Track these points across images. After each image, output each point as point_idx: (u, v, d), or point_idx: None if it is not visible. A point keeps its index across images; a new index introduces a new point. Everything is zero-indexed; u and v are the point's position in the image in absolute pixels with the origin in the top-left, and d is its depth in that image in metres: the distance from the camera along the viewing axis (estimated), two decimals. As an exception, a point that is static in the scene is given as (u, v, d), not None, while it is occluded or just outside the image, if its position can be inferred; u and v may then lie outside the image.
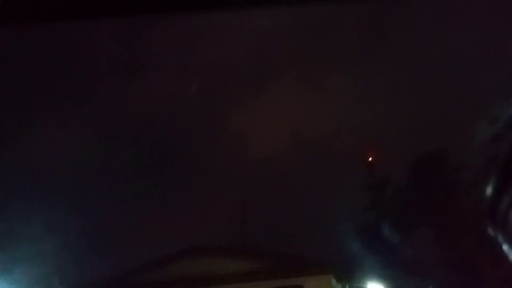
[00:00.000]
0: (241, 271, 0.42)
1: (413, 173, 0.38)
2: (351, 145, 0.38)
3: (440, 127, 0.37)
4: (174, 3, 0.36)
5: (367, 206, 0.39)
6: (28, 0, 0.36)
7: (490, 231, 0.36)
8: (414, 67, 0.37)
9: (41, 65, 0.38)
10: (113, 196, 0.39)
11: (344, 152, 0.38)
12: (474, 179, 0.36)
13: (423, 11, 0.36)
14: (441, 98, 0.37)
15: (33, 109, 0.39)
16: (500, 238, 0.35)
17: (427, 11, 0.36)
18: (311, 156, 0.38)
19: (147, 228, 0.39)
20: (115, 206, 0.39)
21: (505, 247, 0.36)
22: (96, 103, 0.38)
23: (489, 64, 0.36)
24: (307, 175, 0.38)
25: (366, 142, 0.38)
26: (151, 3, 0.36)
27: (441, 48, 0.36)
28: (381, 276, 0.41)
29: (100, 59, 0.38)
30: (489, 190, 0.35)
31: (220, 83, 0.38)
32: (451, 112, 0.37)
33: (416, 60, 0.37)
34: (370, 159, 0.38)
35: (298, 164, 0.38)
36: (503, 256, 0.36)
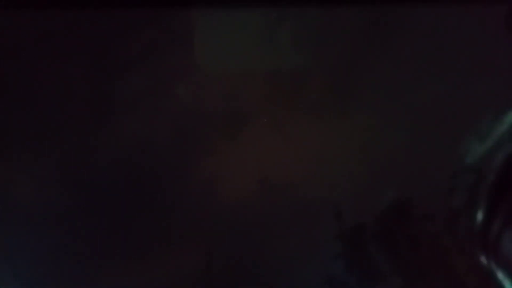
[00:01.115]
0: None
1: (385, 220, 0.38)
2: (320, 193, 0.38)
3: (415, 173, 0.38)
4: (143, 50, 0.36)
5: (337, 255, 0.38)
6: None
7: (482, 261, 0.36)
8: (386, 113, 0.38)
9: (4, 101, 0.37)
10: (75, 242, 0.38)
11: (313, 200, 0.38)
12: (456, 217, 0.37)
13: (393, 64, 0.38)
14: (413, 144, 0.38)
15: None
16: (493, 267, 0.35)
17: (396, 64, 0.38)
18: (279, 204, 0.38)
19: (109, 276, 0.37)
20: (77, 253, 0.37)
21: (500, 275, 0.35)
22: (61, 146, 0.38)
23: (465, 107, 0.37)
24: (275, 223, 0.38)
25: (335, 190, 0.38)
26: (122, 51, 0.36)
27: (414, 97, 0.37)
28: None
29: (68, 100, 0.37)
30: (476, 221, 0.35)
31: (189, 130, 0.38)
32: (428, 156, 0.38)
33: (388, 106, 0.38)
34: (340, 207, 0.38)
35: (267, 211, 0.38)
36: (498, 284, 0.36)
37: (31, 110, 0.37)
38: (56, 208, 0.38)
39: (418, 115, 0.37)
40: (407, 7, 0.37)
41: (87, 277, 0.38)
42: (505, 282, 0.36)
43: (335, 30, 0.37)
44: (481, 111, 0.37)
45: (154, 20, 0.36)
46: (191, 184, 0.38)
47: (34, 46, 0.36)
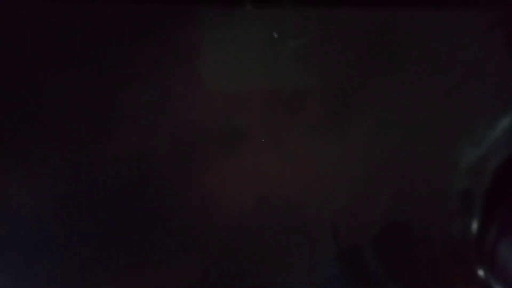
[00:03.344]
0: None
1: (383, 242, 0.37)
2: (318, 212, 0.38)
3: (413, 195, 0.38)
4: (147, 64, 0.37)
5: (336, 277, 0.38)
6: None
7: (478, 272, 0.35)
8: (383, 133, 0.38)
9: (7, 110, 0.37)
10: (74, 257, 0.37)
11: (310, 219, 0.38)
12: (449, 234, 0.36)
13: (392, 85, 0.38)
14: (411, 166, 0.38)
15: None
16: (489, 277, 0.34)
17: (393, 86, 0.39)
18: (276, 221, 0.38)
19: (107, 286, 0.36)
20: (75, 264, 0.36)
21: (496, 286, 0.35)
22: (60, 158, 0.37)
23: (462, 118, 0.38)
24: (272, 240, 0.37)
25: (333, 210, 0.38)
26: (126, 65, 0.37)
27: (410, 115, 0.38)
28: None
29: (70, 112, 0.38)
30: (471, 230, 0.35)
31: (189, 145, 0.38)
32: (426, 179, 0.38)
33: (385, 126, 0.38)
34: (337, 226, 0.38)
35: (264, 228, 0.38)
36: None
37: (32, 121, 0.37)
38: (55, 220, 0.37)
39: (416, 135, 0.38)
40: (401, 27, 0.38)
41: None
42: None
43: (335, 52, 0.38)
44: (475, 118, 0.38)
45: (159, 35, 0.37)
46: (189, 199, 0.37)
47: (38, 58, 0.37)
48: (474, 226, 0.37)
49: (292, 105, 0.38)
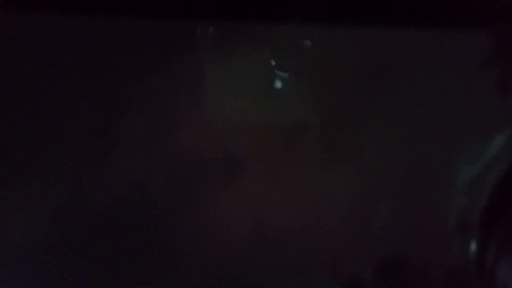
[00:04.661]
0: None
1: (382, 276, 0.37)
2: (314, 244, 0.38)
3: (411, 228, 0.38)
4: (145, 94, 0.37)
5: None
6: None
7: None
8: (381, 164, 0.38)
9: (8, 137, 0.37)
10: (67, 282, 0.37)
11: (307, 251, 0.37)
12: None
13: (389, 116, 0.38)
14: (410, 200, 0.38)
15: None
16: None
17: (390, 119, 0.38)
18: (272, 252, 0.37)
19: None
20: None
21: None
22: (56, 185, 0.37)
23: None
24: (268, 272, 0.37)
25: (330, 242, 0.38)
26: (124, 95, 0.37)
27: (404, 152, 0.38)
28: None
29: (68, 141, 0.38)
30: (470, 250, 0.34)
31: (186, 174, 0.38)
32: (424, 212, 0.38)
33: (383, 157, 0.38)
34: (334, 260, 0.38)
35: (259, 259, 0.37)
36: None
37: (30, 146, 0.37)
38: (48, 248, 0.37)
39: (415, 166, 0.38)
40: (397, 56, 0.38)
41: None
42: None
43: (332, 84, 0.38)
44: (471, 137, 0.38)
45: (158, 65, 0.37)
46: (184, 228, 0.37)
47: (38, 85, 0.37)
48: (473, 249, 0.37)
49: (290, 136, 0.38)
